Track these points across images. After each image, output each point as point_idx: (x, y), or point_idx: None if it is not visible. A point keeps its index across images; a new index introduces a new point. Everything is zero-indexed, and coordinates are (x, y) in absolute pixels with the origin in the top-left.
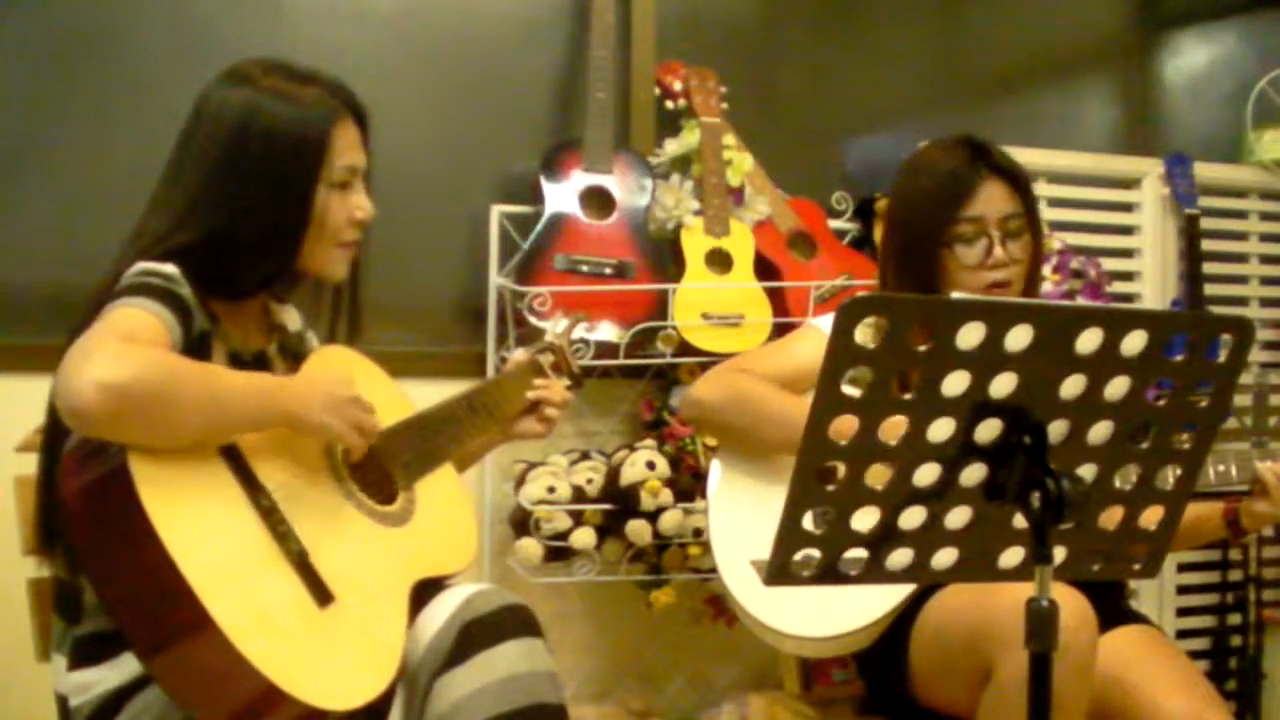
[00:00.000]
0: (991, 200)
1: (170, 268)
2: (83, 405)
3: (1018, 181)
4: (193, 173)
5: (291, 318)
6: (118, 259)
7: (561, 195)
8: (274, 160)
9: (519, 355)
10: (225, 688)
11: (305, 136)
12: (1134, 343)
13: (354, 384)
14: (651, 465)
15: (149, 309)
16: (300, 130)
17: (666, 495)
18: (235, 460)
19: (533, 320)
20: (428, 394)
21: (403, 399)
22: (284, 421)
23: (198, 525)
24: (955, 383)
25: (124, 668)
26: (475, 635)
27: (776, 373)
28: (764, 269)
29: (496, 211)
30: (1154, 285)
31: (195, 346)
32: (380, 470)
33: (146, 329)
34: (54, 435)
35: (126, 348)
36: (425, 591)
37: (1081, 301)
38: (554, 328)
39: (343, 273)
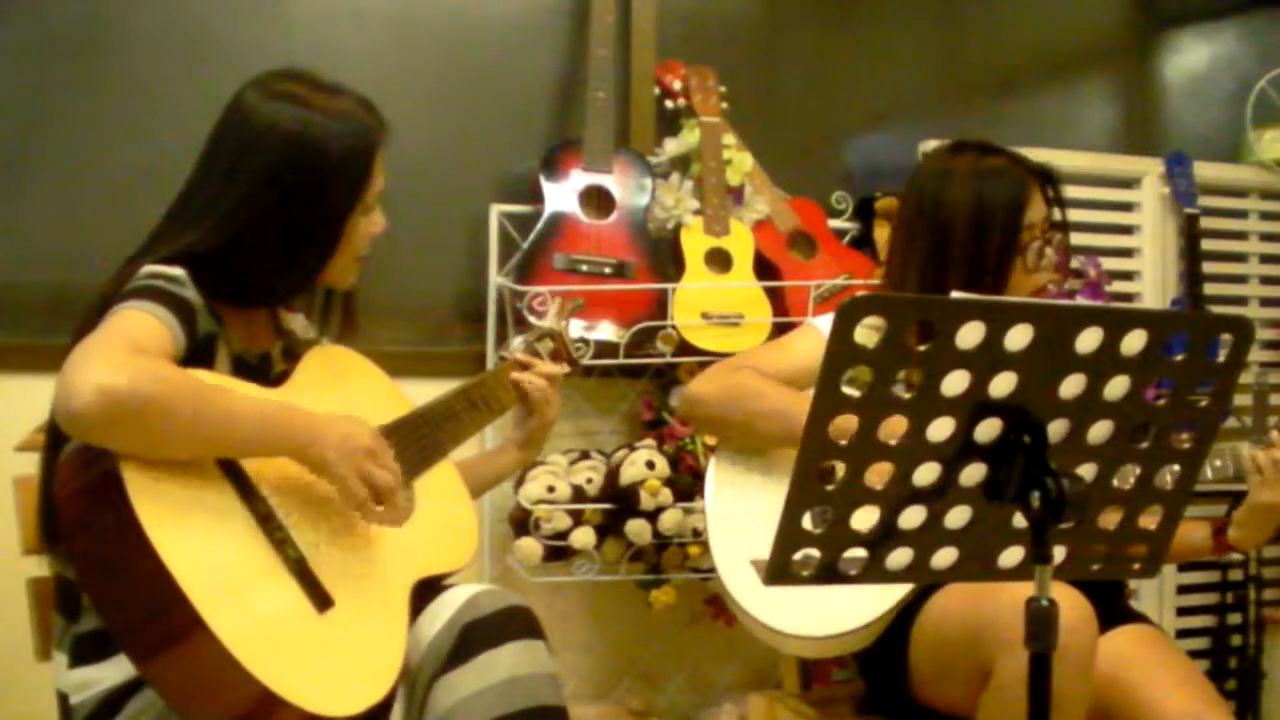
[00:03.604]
0: (1038, 204)
1: (178, 270)
2: (81, 407)
3: (1052, 182)
4: (225, 183)
5: (299, 324)
6: (131, 260)
7: (561, 195)
8: (322, 185)
9: (517, 344)
10: (221, 694)
11: (354, 166)
12: (1134, 342)
13: (381, 437)
14: (651, 465)
15: (153, 313)
16: (350, 159)
17: (666, 495)
18: (231, 465)
19: (532, 319)
20: (428, 393)
21: (399, 398)
22: (291, 451)
23: (191, 531)
24: (955, 382)
25: (124, 666)
26: (476, 636)
27: (775, 370)
28: (764, 268)
29: (496, 211)
30: (1154, 285)
31: (200, 349)
32: None
33: (150, 333)
34: (57, 433)
35: (130, 356)
36: (426, 591)
37: (1081, 301)
38: (551, 314)
39: (352, 282)
